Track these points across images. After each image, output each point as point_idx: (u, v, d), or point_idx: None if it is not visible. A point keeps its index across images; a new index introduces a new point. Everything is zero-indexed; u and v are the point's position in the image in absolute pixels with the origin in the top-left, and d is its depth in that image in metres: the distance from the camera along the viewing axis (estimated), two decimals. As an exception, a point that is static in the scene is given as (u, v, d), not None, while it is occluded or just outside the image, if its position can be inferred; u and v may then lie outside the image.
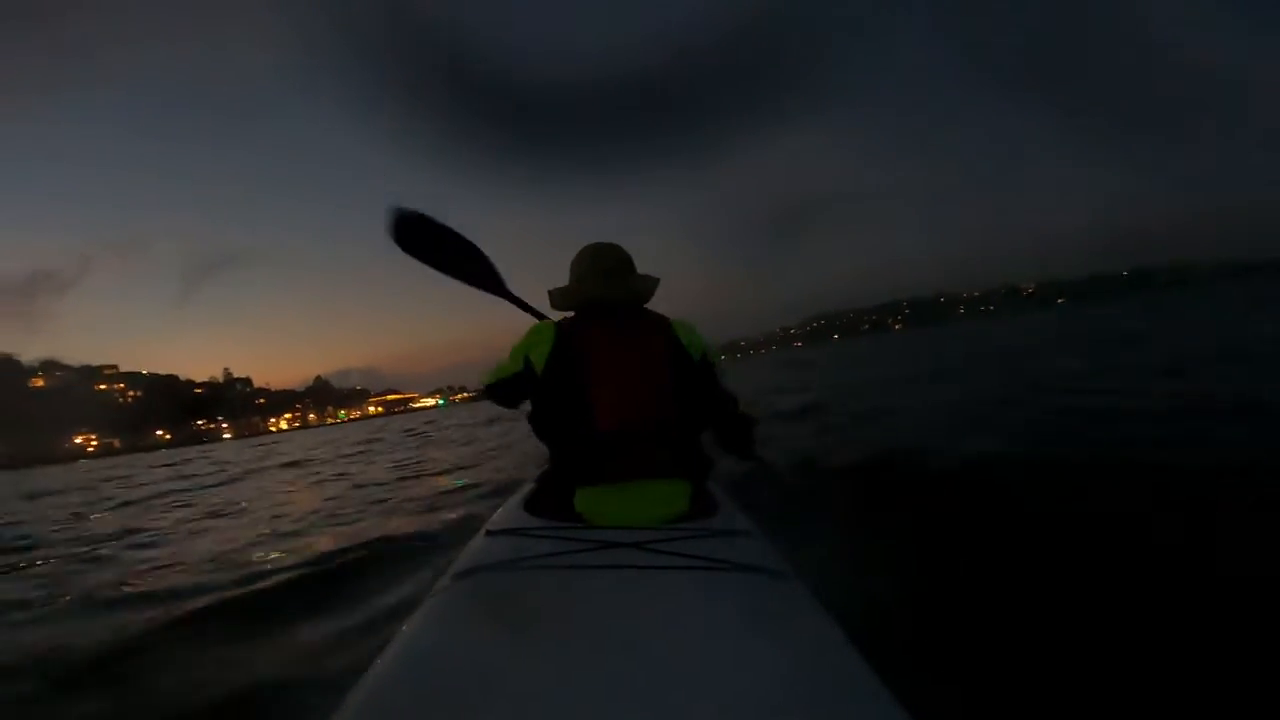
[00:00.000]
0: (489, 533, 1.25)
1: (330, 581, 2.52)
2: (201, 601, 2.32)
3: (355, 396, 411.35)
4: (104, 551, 4.84)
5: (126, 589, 3.20)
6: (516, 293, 1.95)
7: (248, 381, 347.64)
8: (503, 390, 1.61)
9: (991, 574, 2.32)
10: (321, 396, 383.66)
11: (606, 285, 1.55)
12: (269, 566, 3.02)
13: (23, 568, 4.67)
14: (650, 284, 1.61)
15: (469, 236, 1.99)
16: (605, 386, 1.40)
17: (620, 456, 1.31)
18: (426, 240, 1.85)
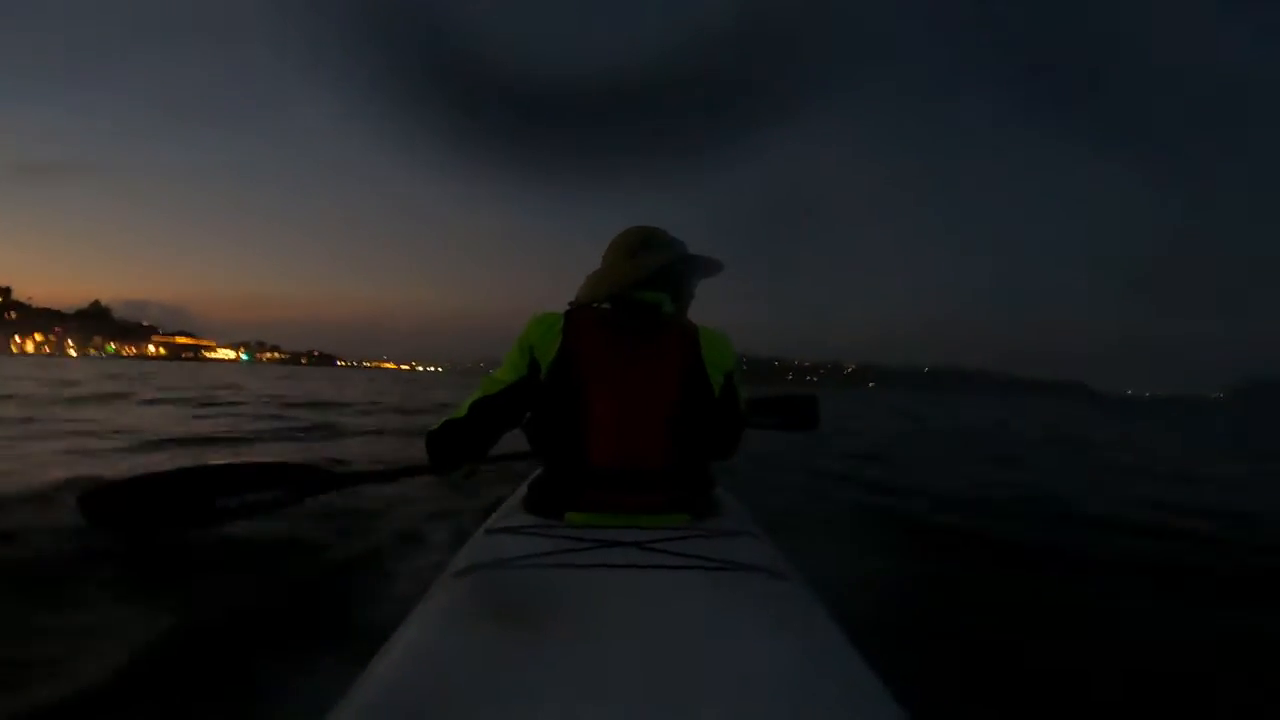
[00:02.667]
0: (488, 531, 1.21)
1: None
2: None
3: (137, 332, 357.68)
4: None
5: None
6: (371, 468, 1.52)
7: (5, 291, 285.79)
8: (494, 406, 1.27)
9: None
10: (94, 324, 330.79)
11: (639, 265, 1.35)
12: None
13: None
14: (667, 254, 1.38)
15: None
16: (604, 415, 1.21)
17: (613, 493, 1.21)
18: (157, 503, 1.31)
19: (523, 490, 1.45)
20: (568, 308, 1.35)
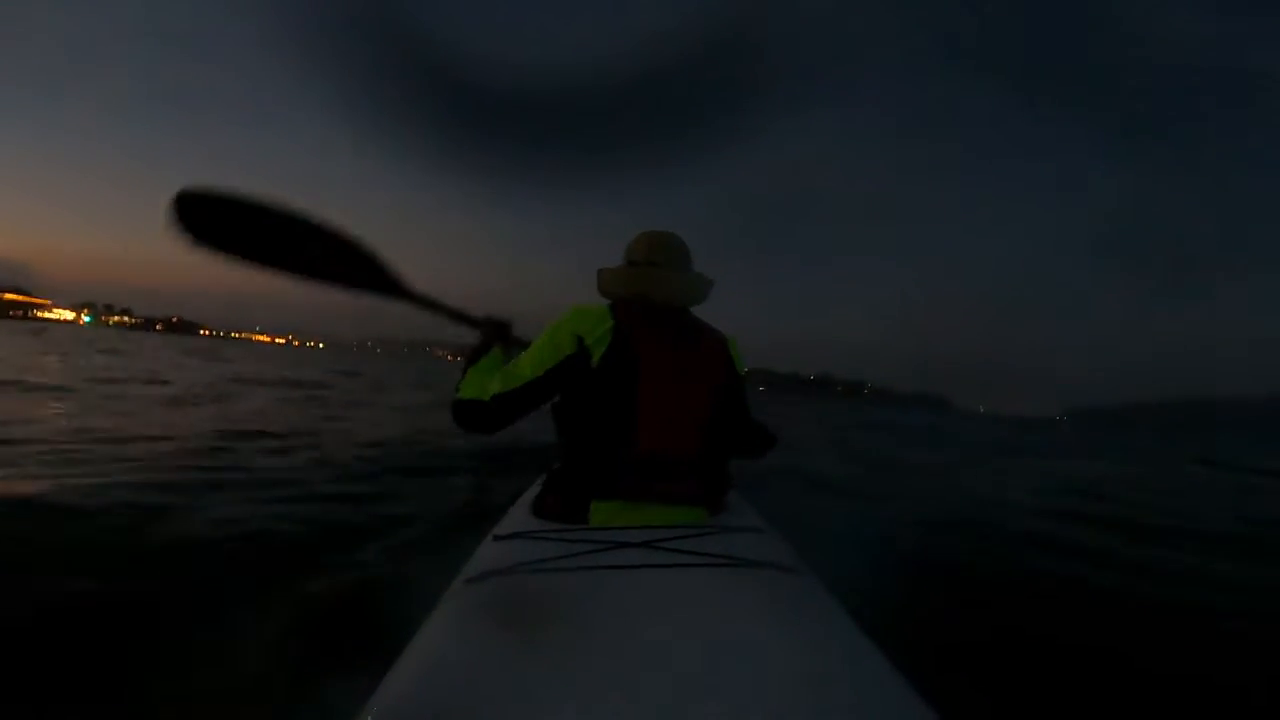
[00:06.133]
0: (496, 537, 1.21)
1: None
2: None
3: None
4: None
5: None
6: (425, 292, 1.52)
7: None
8: (514, 400, 1.32)
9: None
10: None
11: (658, 280, 1.39)
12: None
13: None
14: (705, 284, 1.47)
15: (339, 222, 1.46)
16: (655, 405, 1.28)
17: (648, 481, 1.26)
18: (241, 229, 1.36)
19: (530, 493, 1.47)
20: (609, 303, 1.40)
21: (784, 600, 0.91)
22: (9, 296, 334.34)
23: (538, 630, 0.79)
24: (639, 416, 1.27)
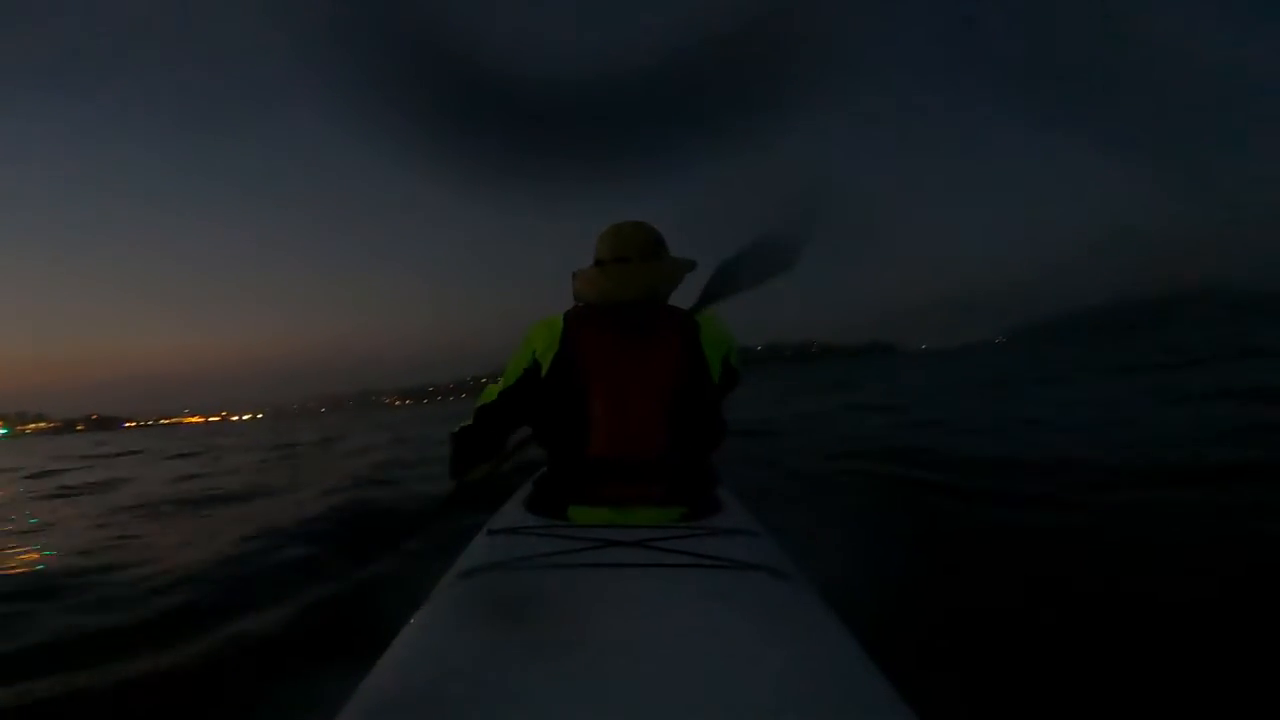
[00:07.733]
0: (491, 532, 1.23)
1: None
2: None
3: None
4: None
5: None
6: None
7: None
8: (493, 411, 1.39)
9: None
10: None
11: (620, 278, 1.38)
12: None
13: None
14: (679, 270, 1.46)
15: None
16: (603, 407, 1.27)
17: (613, 483, 1.25)
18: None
19: (525, 490, 1.48)
20: (565, 311, 1.41)
21: (773, 604, 0.91)
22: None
23: (525, 628, 0.79)
24: (590, 422, 1.27)
